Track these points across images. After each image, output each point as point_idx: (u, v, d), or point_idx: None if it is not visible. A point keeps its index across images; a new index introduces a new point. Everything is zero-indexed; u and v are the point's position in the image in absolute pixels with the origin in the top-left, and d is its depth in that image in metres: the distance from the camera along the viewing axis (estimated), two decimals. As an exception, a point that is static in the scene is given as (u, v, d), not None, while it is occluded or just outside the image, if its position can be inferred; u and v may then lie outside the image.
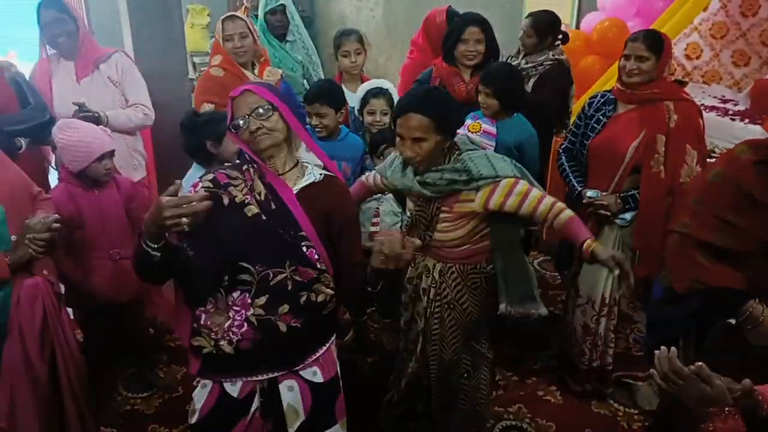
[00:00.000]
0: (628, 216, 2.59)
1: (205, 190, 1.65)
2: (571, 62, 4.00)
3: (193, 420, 1.77)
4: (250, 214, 1.66)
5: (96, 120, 2.68)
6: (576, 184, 2.70)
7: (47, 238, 1.93)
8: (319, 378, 1.80)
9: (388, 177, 2.19)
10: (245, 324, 1.66)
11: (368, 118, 2.90)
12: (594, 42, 3.94)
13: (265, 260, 1.65)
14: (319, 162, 1.84)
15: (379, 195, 2.78)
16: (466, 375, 2.28)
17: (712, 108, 3.79)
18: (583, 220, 2.51)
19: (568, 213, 2.06)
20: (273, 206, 1.68)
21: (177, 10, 3.82)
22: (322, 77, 3.79)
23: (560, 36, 3.40)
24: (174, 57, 3.70)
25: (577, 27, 4.36)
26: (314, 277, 1.69)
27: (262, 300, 1.66)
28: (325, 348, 1.82)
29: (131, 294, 2.48)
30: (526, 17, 3.48)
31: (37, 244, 1.93)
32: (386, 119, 2.85)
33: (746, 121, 3.56)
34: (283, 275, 1.66)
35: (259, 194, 1.70)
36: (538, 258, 4.11)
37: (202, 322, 1.69)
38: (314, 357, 1.79)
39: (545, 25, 3.33)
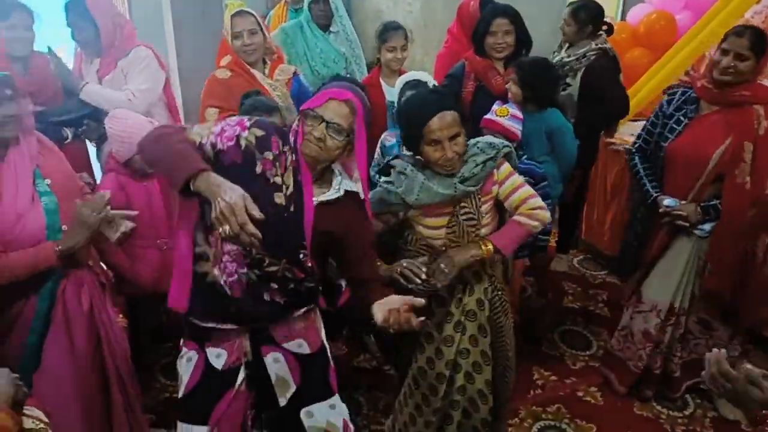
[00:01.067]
0: (707, 227, 2.43)
1: (245, 142, 1.61)
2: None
3: (181, 393, 1.80)
4: (278, 201, 1.63)
5: (74, 83, 2.72)
6: (651, 189, 2.51)
7: (103, 217, 1.91)
8: (305, 349, 1.81)
9: (417, 198, 1.97)
10: (235, 275, 1.66)
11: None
12: (641, 34, 3.85)
13: (266, 246, 1.59)
14: (354, 175, 1.76)
15: None
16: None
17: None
18: (656, 227, 2.51)
19: (519, 218, 1.98)
20: (292, 208, 1.64)
21: (217, 3, 3.85)
22: (365, 71, 3.73)
23: (604, 27, 3.32)
24: (214, 50, 3.72)
25: (623, 19, 4.26)
26: (303, 278, 1.71)
27: (255, 272, 1.66)
28: (306, 315, 1.82)
29: None
30: (567, 6, 3.42)
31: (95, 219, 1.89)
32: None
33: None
34: (277, 267, 1.66)
35: (287, 188, 1.65)
36: (578, 257, 4.02)
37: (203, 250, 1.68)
38: (295, 329, 1.79)
39: (585, 13, 3.25)
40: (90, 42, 2.83)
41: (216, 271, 1.66)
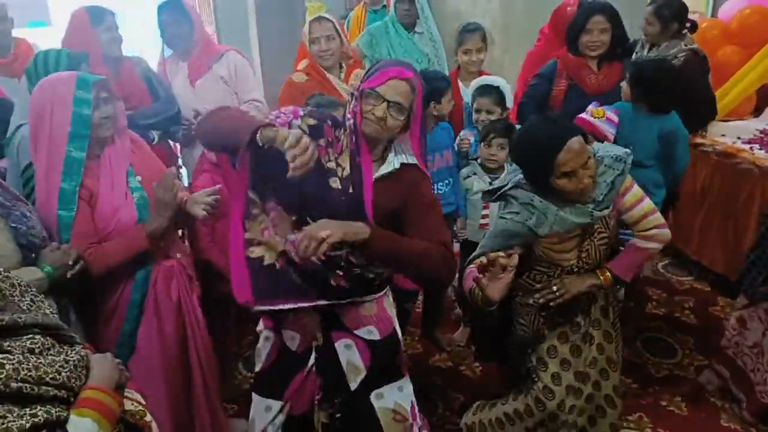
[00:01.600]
0: None
1: (297, 129, 1.61)
2: (708, 53, 3.76)
3: (258, 368, 1.88)
4: (333, 185, 1.65)
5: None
6: None
7: (176, 192, 2.00)
8: (375, 335, 1.83)
9: (551, 230, 1.88)
10: (297, 275, 1.69)
11: (475, 116, 2.89)
12: (732, 31, 3.66)
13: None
14: (410, 152, 1.77)
15: (487, 185, 2.73)
16: None
17: None
18: None
19: (639, 242, 1.94)
20: (351, 189, 1.67)
21: (301, 7, 3.95)
22: (447, 71, 3.75)
23: (688, 24, 3.19)
24: (294, 54, 3.82)
25: (714, 15, 4.07)
26: (368, 262, 1.70)
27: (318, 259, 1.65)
28: (376, 301, 1.84)
29: None
30: (648, 4, 3.30)
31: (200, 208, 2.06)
32: (492, 118, 2.82)
33: None
34: (340, 252, 1.65)
35: (343, 170, 1.67)
36: (663, 261, 3.87)
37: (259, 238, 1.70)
38: (366, 316, 1.81)
39: (668, 11, 3.12)
40: (183, 43, 2.92)
41: (272, 256, 1.70)
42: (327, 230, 1.49)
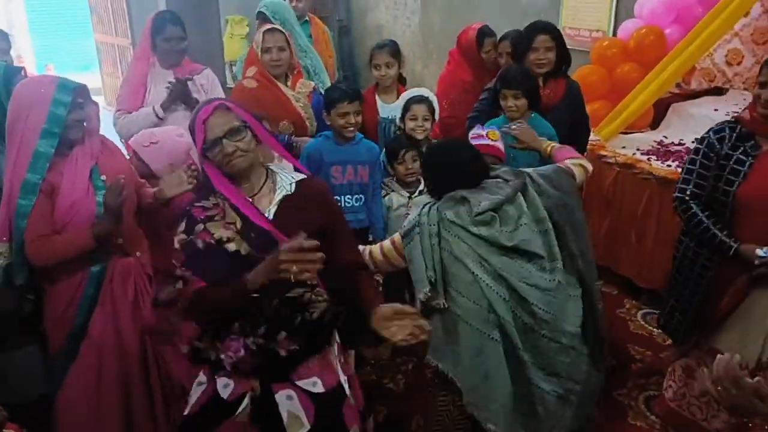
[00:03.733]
0: None
1: (179, 243, 1.67)
2: (608, 70, 4.01)
3: (186, 413, 1.85)
4: (231, 250, 1.64)
5: (190, 100, 2.91)
6: (728, 240, 2.21)
7: (123, 200, 2.08)
8: (319, 388, 1.78)
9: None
10: (242, 350, 1.69)
11: (410, 124, 2.93)
12: (631, 49, 3.91)
13: (264, 293, 1.61)
14: (288, 166, 1.82)
15: (406, 199, 2.85)
16: None
17: (754, 115, 3.71)
18: (726, 279, 2.24)
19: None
20: (252, 234, 1.65)
21: (215, 20, 3.93)
22: (327, 81, 3.78)
23: None
24: (213, 66, 3.79)
25: (614, 34, 4.33)
26: (307, 295, 1.70)
27: (261, 330, 1.68)
28: (321, 357, 1.81)
29: None
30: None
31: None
32: (428, 125, 2.91)
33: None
34: (275, 303, 1.66)
35: (235, 224, 1.66)
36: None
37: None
38: (309, 367, 1.78)
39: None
40: (177, 57, 3.04)
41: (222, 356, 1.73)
42: (299, 239, 1.51)
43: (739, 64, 4.17)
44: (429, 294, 1.96)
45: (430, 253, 1.96)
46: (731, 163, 2.21)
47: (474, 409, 1.97)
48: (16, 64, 2.86)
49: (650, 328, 3.40)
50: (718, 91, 4.17)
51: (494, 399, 1.95)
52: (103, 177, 2.13)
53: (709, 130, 2.32)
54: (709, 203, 2.30)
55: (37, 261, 2.02)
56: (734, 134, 2.24)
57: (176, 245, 1.68)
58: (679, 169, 3.32)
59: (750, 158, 2.18)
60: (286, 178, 1.75)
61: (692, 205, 2.31)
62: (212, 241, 1.65)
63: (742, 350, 2.11)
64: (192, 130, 1.69)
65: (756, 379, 1.30)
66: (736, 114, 3.70)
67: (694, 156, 2.33)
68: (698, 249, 2.36)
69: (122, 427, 2.20)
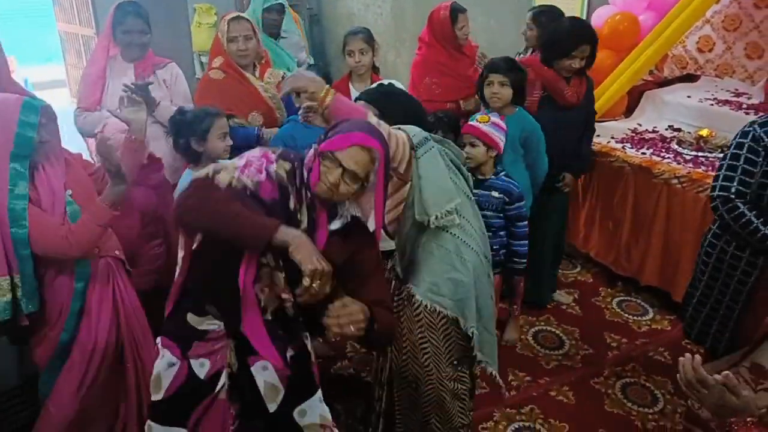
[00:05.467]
0: None
1: (277, 176, 1.60)
2: (582, 57, 3.98)
3: (158, 397, 1.79)
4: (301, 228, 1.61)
5: (150, 101, 2.66)
6: None
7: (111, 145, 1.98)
8: (290, 351, 1.80)
9: None
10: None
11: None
12: (605, 36, 3.89)
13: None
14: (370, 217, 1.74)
15: None
16: None
17: (725, 102, 3.74)
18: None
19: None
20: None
21: (183, 9, 3.82)
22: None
23: None
24: (181, 57, 3.69)
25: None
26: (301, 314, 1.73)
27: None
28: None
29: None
30: (529, 10, 3.47)
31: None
32: None
33: (761, 114, 3.50)
34: (289, 302, 1.69)
35: (301, 223, 1.63)
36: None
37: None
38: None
39: (545, 17, 3.30)
40: (139, 50, 2.90)
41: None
42: (359, 323, 1.49)
43: (710, 50, 4.19)
44: (455, 208, 1.92)
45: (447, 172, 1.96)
46: None
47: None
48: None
49: (626, 315, 3.41)
50: (690, 78, 4.19)
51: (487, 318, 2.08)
52: (69, 191, 2.06)
53: (752, 123, 2.14)
54: (755, 202, 2.12)
55: (82, 250, 1.98)
56: None
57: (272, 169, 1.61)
58: (655, 157, 3.39)
59: None
60: (350, 209, 1.69)
61: (739, 204, 2.10)
62: (295, 213, 1.62)
63: None
64: (335, 131, 1.62)
65: (724, 373, 1.30)
66: (708, 100, 3.77)
67: (736, 151, 2.13)
68: (739, 252, 2.20)
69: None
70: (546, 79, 3.04)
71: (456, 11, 3.40)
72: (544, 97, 3.07)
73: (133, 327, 2.21)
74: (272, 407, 1.78)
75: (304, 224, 1.63)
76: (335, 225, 1.66)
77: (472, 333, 2.01)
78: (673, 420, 2.67)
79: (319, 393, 1.88)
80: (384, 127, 1.79)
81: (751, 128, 2.12)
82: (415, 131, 1.95)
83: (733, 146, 2.16)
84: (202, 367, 1.76)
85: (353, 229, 1.69)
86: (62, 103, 6.98)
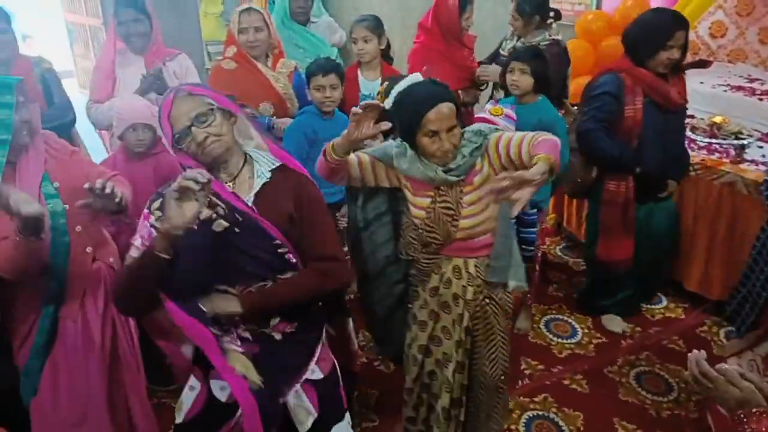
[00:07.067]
0: None
1: (155, 221, 1.56)
2: (593, 43, 3.95)
3: (179, 420, 1.77)
4: (219, 230, 1.57)
5: (165, 88, 2.71)
6: None
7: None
8: (318, 374, 1.79)
9: (404, 168, 1.95)
10: (239, 341, 1.65)
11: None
12: (616, 22, 3.85)
13: (245, 277, 1.60)
14: (265, 149, 1.73)
15: None
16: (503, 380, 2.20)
17: (739, 87, 3.71)
18: None
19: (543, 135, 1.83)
20: (239, 218, 1.59)
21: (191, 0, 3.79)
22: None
23: (552, 14, 3.35)
24: (190, 47, 3.68)
25: (598, 7, 4.27)
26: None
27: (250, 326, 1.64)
28: (320, 344, 1.82)
29: None
30: (512, 0, 3.40)
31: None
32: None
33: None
34: (242, 290, 1.62)
35: (222, 208, 1.59)
36: (560, 244, 4.05)
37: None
38: (315, 358, 1.78)
39: (529, 6, 3.25)
40: (140, 40, 2.88)
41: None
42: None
43: (723, 36, 4.15)
44: None
45: None
46: None
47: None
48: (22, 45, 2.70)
49: (639, 304, 3.40)
50: (702, 64, 4.14)
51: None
52: (56, 184, 1.93)
53: None
54: None
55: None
56: None
57: (150, 222, 1.59)
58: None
59: None
60: (265, 165, 1.68)
61: None
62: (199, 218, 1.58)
63: None
64: (161, 127, 1.61)
65: (720, 365, 1.32)
66: (721, 86, 3.73)
67: None
68: None
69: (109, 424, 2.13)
70: (646, 83, 2.69)
71: (465, 2, 3.36)
72: (647, 103, 2.71)
73: (126, 341, 2.15)
74: (302, 429, 1.77)
75: (224, 207, 1.58)
76: (258, 185, 1.63)
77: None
78: (688, 408, 2.66)
79: (348, 418, 1.89)
80: None
81: None
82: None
83: None
84: (222, 391, 1.72)
85: (283, 184, 1.66)
86: (71, 93, 6.96)
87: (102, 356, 2.09)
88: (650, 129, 2.69)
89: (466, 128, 1.97)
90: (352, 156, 1.95)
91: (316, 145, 2.70)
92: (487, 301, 2.08)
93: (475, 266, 2.04)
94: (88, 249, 2.03)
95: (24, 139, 1.86)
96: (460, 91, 3.41)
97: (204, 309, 1.56)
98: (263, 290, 1.63)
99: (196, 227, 1.48)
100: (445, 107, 1.83)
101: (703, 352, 1.36)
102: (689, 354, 1.39)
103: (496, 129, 1.98)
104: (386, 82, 2.68)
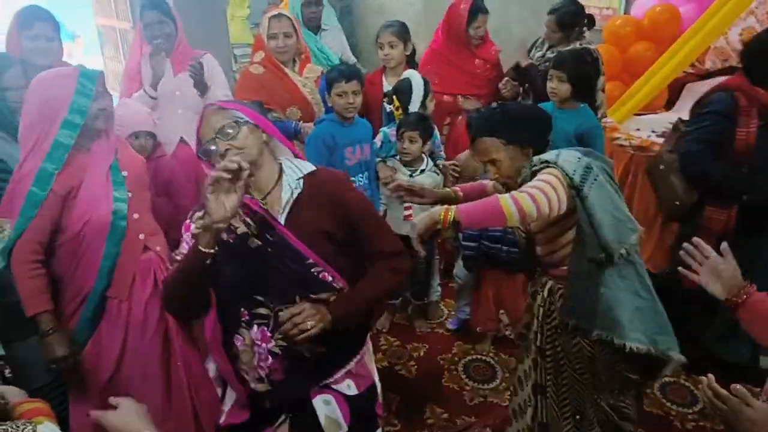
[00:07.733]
0: None
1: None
2: (621, 49, 3.92)
3: (222, 420, 1.80)
4: (253, 246, 1.60)
5: (204, 85, 2.83)
6: None
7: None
8: (353, 390, 1.77)
9: None
10: (269, 356, 1.64)
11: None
12: (645, 28, 3.82)
13: (276, 295, 1.61)
14: (293, 161, 1.72)
15: (407, 177, 2.82)
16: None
17: (769, 95, 3.63)
18: None
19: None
20: (270, 238, 1.60)
21: (219, 2, 3.83)
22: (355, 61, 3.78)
23: (585, 22, 3.33)
24: (218, 50, 3.71)
25: (627, 12, 4.24)
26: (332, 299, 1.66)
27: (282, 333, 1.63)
28: (356, 358, 1.79)
29: None
30: (549, 12, 3.37)
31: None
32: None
33: None
34: (276, 310, 1.62)
35: (254, 226, 1.61)
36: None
37: (240, 360, 1.69)
38: (345, 369, 1.76)
39: (569, 18, 3.23)
40: (165, 41, 2.92)
41: (255, 384, 1.69)
42: (311, 322, 1.56)
43: (754, 42, 4.07)
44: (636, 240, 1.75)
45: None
46: None
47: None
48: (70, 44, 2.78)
49: (664, 313, 3.36)
50: (732, 71, 4.08)
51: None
52: (125, 173, 2.07)
53: None
54: None
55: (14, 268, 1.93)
56: None
57: (192, 231, 1.61)
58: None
59: None
60: (292, 175, 1.66)
61: None
62: (237, 232, 1.62)
63: None
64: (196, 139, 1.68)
65: (733, 386, 1.31)
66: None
67: None
68: None
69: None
70: (763, 104, 2.44)
71: (477, 10, 3.34)
72: (763, 126, 2.46)
73: (179, 338, 2.18)
74: None
75: (255, 226, 1.61)
76: (285, 197, 1.62)
77: (668, 356, 1.76)
78: (713, 420, 2.62)
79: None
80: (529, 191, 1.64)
81: None
82: (573, 162, 1.72)
83: None
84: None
85: (318, 194, 1.64)
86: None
87: (146, 334, 2.13)
88: (764, 154, 2.44)
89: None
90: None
91: (336, 152, 2.74)
92: (555, 333, 1.96)
93: (550, 289, 1.95)
94: (141, 236, 2.12)
95: (100, 124, 2.02)
96: (459, 97, 3.41)
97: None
98: (348, 297, 1.66)
99: (232, 240, 1.54)
100: (478, 144, 1.92)
101: (711, 376, 1.36)
102: (703, 377, 1.38)
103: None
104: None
